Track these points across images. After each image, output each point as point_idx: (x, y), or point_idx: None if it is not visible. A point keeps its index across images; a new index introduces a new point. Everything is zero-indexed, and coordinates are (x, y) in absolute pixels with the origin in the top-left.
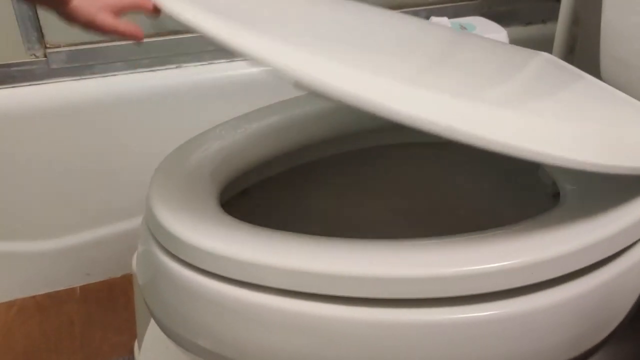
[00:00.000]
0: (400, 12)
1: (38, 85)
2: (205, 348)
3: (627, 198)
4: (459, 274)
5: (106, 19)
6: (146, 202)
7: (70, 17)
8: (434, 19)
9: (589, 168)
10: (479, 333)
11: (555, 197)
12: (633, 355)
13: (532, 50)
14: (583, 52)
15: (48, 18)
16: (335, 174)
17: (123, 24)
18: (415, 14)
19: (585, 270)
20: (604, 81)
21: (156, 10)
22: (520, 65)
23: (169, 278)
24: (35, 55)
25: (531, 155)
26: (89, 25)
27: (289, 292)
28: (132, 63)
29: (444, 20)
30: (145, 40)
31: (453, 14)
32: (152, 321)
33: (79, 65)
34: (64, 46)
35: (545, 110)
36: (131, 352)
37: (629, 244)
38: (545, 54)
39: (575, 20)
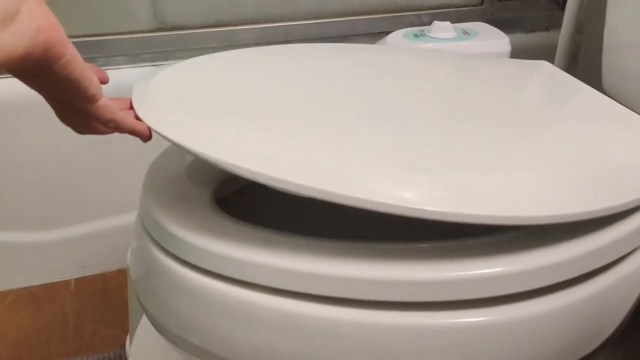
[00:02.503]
0: (405, 14)
1: None
2: (196, 344)
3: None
4: (452, 278)
5: (127, 117)
6: (140, 197)
7: (94, 113)
8: (436, 23)
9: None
10: (471, 338)
11: None
12: None
13: (531, 64)
14: (586, 60)
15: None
16: None
17: (140, 124)
18: (418, 17)
19: (579, 278)
20: (605, 91)
21: (149, 137)
22: (515, 95)
23: (162, 274)
24: None
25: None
26: (111, 122)
27: (282, 291)
28: (134, 57)
29: (447, 24)
30: (148, 34)
31: (456, 18)
32: (144, 316)
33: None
34: None
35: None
36: (123, 346)
37: (623, 254)
38: (543, 66)
39: (579, 29)
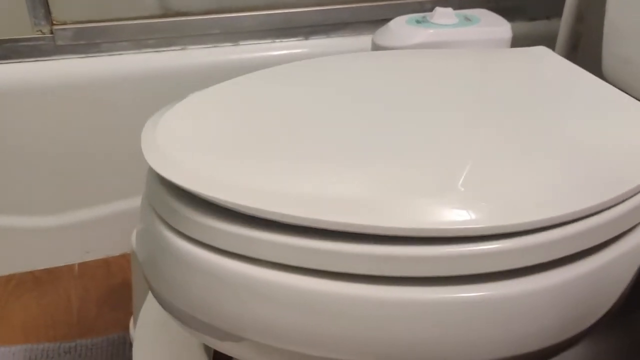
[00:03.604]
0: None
1: (44, 62)
2: (204, 321)
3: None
4: (453, 253)
5: None
6: (147, 176)
7: None
8: (438, 9)
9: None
10: (469, 313)
11: None
12: (616, 349)
13: (529, 52)
14: (587, 49)
15: None
16: None
17: None
18: (421, 5)
19: (575, 256)
20: (604, 78)
21: None
22: (519, 88)
23: (169, 251)
24: (41, 31)
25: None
26: None
27: (290, 267)
28: (138, 43)
29: (448, 11)
30: (152, 20)
31: (458, 5)
32: (148, 299)
33: (85, 43)
34: (70, 23)
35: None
36: (126, 328)
37: (619, 232)
38: (542, 52)
39: (580, 18)
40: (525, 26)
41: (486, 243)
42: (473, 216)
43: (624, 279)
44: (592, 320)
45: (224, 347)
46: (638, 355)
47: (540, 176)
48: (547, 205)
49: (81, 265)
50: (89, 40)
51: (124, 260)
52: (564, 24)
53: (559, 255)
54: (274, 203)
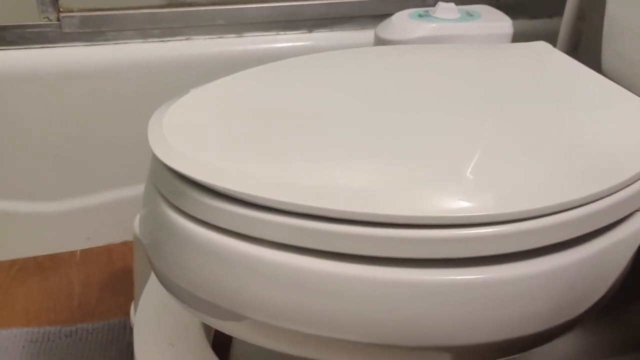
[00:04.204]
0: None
1: (50, 49)
2: (206, 300)
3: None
4: (450, 236)
5: None
6: (152, 158)
7: None
8: (441, 4)
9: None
10: (466, 295)
11: None
12: (610, 341)
13: (529, 47)
14: (588, 48)
15: None
16: None
17: None
18: (423, 0)
19: (570, 243)
20: (605, 75)
21: None
22: (520, 82)
23: (174, 231)
24: (48, 18)
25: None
26: None
27: (291, 247)
28: (143, 32)
29: (451, 6)
30: (158, 10)
31: (460, 0)
32: (148, 284)
33: (91, 30)
34: (77, 11)
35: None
36: (127, 314)
37: (613, 221)
38: (542, 47)
39: (581, 16)
40: (527, 24)
41: (483, 228)
42: (472, 205)
43: (617, 267)
44: (585, 306)
45: (225, 327)
46: (631, 348)
47: (538, 167)
48: (541, 194)
49: (83, 251)
50: (95, 29)
51: (126, 248)
52: (566, 22)
53: (552, 241)
54: (283, 193)
